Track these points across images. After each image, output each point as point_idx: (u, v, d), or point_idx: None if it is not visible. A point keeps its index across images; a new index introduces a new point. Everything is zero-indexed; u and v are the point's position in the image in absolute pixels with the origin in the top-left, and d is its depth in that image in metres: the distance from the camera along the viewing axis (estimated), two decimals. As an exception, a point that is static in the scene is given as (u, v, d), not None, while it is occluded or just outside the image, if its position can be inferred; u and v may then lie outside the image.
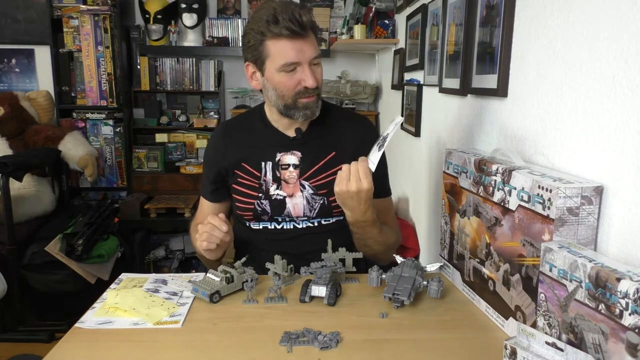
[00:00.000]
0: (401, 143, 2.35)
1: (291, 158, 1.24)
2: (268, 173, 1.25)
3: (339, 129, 1.29)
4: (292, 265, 1.11)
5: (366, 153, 1.14)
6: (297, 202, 1.24)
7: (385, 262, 1.28)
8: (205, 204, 1.35)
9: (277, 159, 1.24)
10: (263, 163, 1.25)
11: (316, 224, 1.26)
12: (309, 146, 1.25)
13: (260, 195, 1.25)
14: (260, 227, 1.28)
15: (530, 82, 1.04)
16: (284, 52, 1.11)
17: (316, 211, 1.25)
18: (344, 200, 1.10)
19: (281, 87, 1.16)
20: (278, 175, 1.24)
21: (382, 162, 1.27)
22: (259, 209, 1.26)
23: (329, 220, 1.27)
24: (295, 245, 1.26)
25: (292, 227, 1.26)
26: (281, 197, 1.24)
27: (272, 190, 1.25)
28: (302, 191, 1.24)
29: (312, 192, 1.24)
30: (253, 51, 1.15)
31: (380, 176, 1.27)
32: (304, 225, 1.26)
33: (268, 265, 1.08)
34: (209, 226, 1.12)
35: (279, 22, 1.08)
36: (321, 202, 1.24)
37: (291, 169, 1.24)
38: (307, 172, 1.24)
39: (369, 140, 1.20)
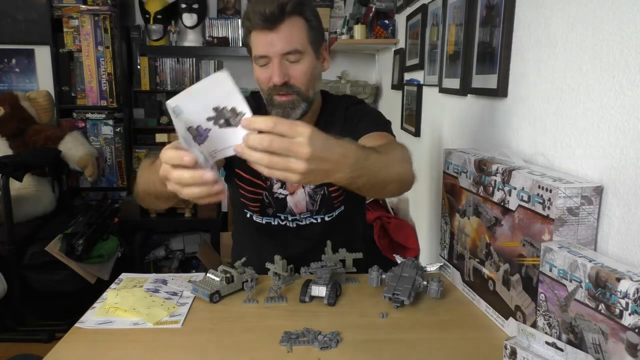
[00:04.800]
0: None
1: None
2: None
3: (334, 118, 1.22)
4: (292, 265, 1.11)
5: (352, 129, 1.09)
6: (299, 199, 1.22)
7: (407, 180, 0.97)
8: None
9: None
10: None
11: (319, 220, 1.24)
12: None
13: (266, 187, 1.22)
14: (264, 222, 1.25)
15: (530, 82, 1.04)
16: (256, 44, 1.07)
17: (318, 204, 1.22)
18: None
19: (258, 81, 1.12)
20: None
21: (369, 115, 1.19)
22: (267, 200, 1.23)
23: (332, 215, 1.24)
24: (297, 241, 1.24)
25: (295, 225, 1.24)
26: (282, 196, 1.22)
27: (276, 188, 1.23)
28: (303, 187, 1.21)
29: (313, 186, 1.21)
30: (245, 36, 1.12)
31: (377, 124, 1.16)
32: (307, 222, 1.24)
33: (268, 265, 1.08)
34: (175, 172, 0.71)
35: (254, 13, 1.04)
36: (322, 193, 1.21)
37: None
38: None
39: (353, 111, 1.18)
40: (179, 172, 0.69)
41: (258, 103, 1.19)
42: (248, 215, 1.28)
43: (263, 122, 0.65)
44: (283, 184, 1.21)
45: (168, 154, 0.69)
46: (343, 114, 1.22)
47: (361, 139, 1.09)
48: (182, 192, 0.71)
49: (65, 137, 2.80)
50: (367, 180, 0.80)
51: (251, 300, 1.03)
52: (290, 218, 1.24)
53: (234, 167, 1.23)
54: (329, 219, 1.24)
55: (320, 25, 1.13)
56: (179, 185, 0.70)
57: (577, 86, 0.87)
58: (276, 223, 1.25)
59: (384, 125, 1.19)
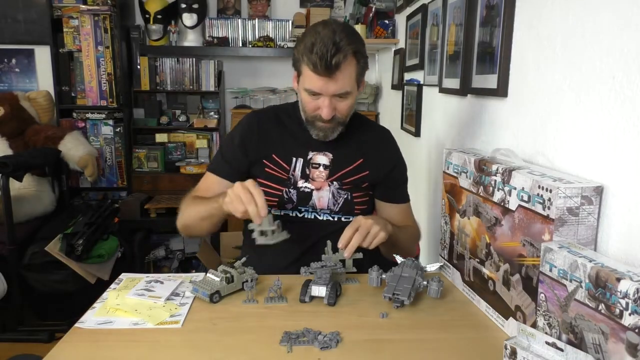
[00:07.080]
0: (401, 143, 2.34)
1: (323, 158, 1.28)
2: (297, 169, 1.28)
3: (368, 138, 1.34)
4: (279, 221, 1.11)
5: (398, 173, 1.35)
6: (323, 195, 1.28)
7: (410, 254, 1.28)
8: (215, 181, 1.31)
9: (309, 157, 1.28)
10: (294, 158, 1.28)
11: (336, 219, 1.29)
12: (341, 149, 1.28)
13: (288, 184, 1.28)
14: (281, 213, 1.29)
15: (530, 82, 1.04)
16: (310, 79, 1.14)
17: (339, 205, 1.28)
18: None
19: (303, 104, 1.21)
20: (307, 172, 1.28)
21: (402, 170, 1.37)
22: (286, 197, 1.28)
23: (349, 218, 1.26)
24: (310, 233, 1.27)
25: (312, 217, 1.29)
26: (308, 190, 1.28)
27: (300, 183, 1.28)
28: (329, 186, 1.28)
29: (338, 187, 1.28)
30: (295, 61, 1.19)
31: (402, 182, 1.38)
32: (325, 218, 1.29)
33: (250, 226, 1.08)
34: (248, 195, 1.04)
35: (312, 54, 1.10)
36: (345, 196, 1.28)
37: (321, 168, 1.28)
38: (335, 174, 1.27)
39: (398, 160, 1.38)
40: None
41: (287, 114, 1.33)
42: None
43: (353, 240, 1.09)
44: (306, 181, 1.28)
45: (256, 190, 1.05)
46: (393, 156, 1.39)
47: (394, 206, 1.35)
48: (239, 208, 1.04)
49: (65, 137, 2.80)
50: (392, 239, 1.18)
51: (251, 300, 1.03)
52: (310, 210, 1.29)
53: (255, 174, 1.30)
54: (346, 220, 1.28)
55: (366, 59, 1.24)
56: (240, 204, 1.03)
57: (577, 86, 0.87)
58: (294, 215, 1.29)
59: (406, 188, 1.40)
